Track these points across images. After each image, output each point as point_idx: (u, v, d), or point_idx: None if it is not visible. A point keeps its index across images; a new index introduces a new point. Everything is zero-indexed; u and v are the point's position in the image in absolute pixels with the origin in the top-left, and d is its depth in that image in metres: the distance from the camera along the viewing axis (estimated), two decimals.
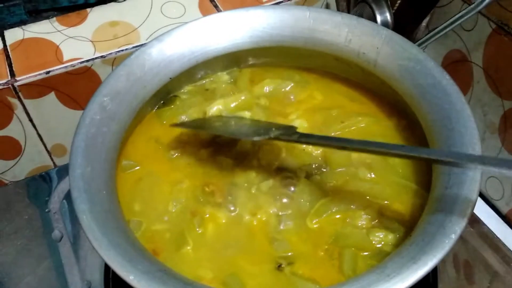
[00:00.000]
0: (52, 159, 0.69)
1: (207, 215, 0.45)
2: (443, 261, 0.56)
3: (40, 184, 0.67)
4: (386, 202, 0.46)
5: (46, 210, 0.62)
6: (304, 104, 0.54)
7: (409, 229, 0.43)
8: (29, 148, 0.66)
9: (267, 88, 0.55)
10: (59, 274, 0.56)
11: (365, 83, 0.54)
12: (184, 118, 0.52)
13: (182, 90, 0.55)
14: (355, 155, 0.49)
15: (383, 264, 0.37)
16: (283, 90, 0.55)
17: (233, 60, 0.55)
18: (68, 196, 0.62)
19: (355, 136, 0.50)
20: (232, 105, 0.52)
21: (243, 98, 0.52)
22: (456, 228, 0.37)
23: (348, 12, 0.71)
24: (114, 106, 0.46)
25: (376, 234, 0.44)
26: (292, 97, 0.54)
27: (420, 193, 0.46)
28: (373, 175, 0.48)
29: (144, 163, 0.49)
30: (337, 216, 0.46)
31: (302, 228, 0.45)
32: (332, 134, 0.51)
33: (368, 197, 0.46)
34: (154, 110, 0.54)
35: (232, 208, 0.46)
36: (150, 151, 0.51)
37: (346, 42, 0.51)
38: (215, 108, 0.51)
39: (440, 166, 0.42)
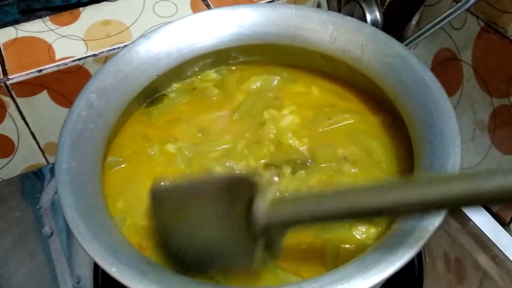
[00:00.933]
0: (45, 157, 0.70)
1: None
2: (433, 258, 0.57)
3: (32, 181, 0.67)
4: None
5: (37, 207, 0.63)
6: (292, 100, 0.55)
7: (390, 222, 0.43)
8: (22, 146, 0.67)
9: (254, 86, 0.56)
10: (49, 270, 0.57)
11: (351, 80, 0.54)
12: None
13: (170, 89, 0.55)
14: (340, 150, 0.49)
15: (362, 257, 0.38)
16: (270, 86, 0.56)
17: (221, 58, 0.56)
18: None
19: (342, 134, 0.51)
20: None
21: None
22: (434, 221, 0.38)
23: (339, 11, 0.71)
24: (101, 102, 0.47)
25: (359, 228, 0.44)
26: (279, 94, 0.55)
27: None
28: (357, 170, 0.48)
29: (131, 160, 0.50)
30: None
31: None
32: (320, 130, 0.52)
33: None
34: (142, 108, 0.54)
35: None
36: (137, 148, 0.51)
37: (331, 39, 0.52)
38: None
39: (420, 161, 0.43)
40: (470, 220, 0.63)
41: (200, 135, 0.52)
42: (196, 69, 0.56)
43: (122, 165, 0.50)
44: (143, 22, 0.68)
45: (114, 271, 0.37)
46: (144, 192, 0.46)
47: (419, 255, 0.58)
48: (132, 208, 0.46)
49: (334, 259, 0.42)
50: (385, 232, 0.42)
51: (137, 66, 0.50)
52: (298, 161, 0.49)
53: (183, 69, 0.54)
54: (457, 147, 0.42)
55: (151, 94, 0.54)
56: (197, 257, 0.40)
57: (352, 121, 0.53)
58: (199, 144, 0.51)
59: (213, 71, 0.57)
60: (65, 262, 0.57)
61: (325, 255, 0.43)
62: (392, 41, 0.49)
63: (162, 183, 0.41)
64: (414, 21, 0.70)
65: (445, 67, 0.69)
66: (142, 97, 0.53)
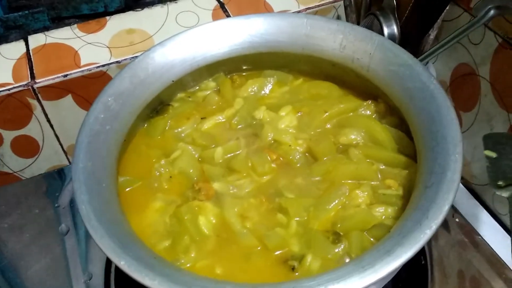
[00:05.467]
0: (68, 159, 0.73)
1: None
2: (456, 281, 0.57)
3: (53, 180, 0.70)
4: (378, 177, 0.49)
5: (56, 205, 0.66)
6: (287, 99, 0.57)
7: (405, 200, 0.45)
8: (46, 147, 0.70)
9: (251, 90, 0.58)
10: (63, 265, 0.60)
11: (359, 87, 0.55)
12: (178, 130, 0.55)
13: (175, 99, 0.58)
14: (342, 139, 0.52)
15: (360, 257, 0.39)
16: (266, 88, 0.58)
17: (233, 65, 0.58)
18: None
19: (341, 122, 0.54)
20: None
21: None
22: (432, 224, 0.39)
23: (358, 24, 0.73)
24: (117, 106, 0.50)
25: (377, 210, 0.46)
26: (275, 95, 0.57)
27: (410, 163, 0.48)
28: (361, 154, 0.50)
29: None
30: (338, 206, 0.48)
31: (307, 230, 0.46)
32: (318, 125, 0.54)
33: (359, 177, 0.49)
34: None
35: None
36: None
37: (341, 48, 0.53)
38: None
39: (422, 166, 0.44)
40: (486, 243, 0.62)
41: (204, 143, 0.54)
42: (206, 76, 0.58)
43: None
44: (166, 31, 0.70)
45: (122, 264, 0.39)
46: None
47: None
48: None
49: (361, 246, 0.44)
50: (402, 210, 0.44)
51: (153, 72, 0.53)
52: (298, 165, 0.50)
53: (192, 77, 0.57)
54: (458, 153, 0.43)
55: (157, 105, 0.56)
56: None
57: (348, 108, 0.54)
58: (202, 151, 0.53)
59: (211, 79, 0.59)
60: (78, 259, 0.60)
61: (351, 245, 0.45)
62: (399, 50, 0.51)
63: None
64: (432, 35, 0.71)
65: (463, 82, 0.69)
66: (149, 109, 0.55)
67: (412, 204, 0.42)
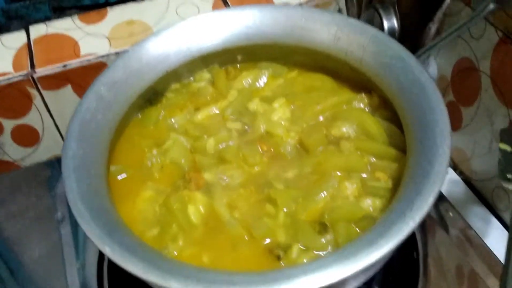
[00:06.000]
0: None
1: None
2: (449, 276, 0.57)
3: (52, 169, 0.71)
4: (368, 170, 0.49)
5: (53, 194, 0.67)
6: (280, 92, 0.57)
7: (394, 192, 0.45)
8: (46, 137, 0.71)
9: (246, 82, 0.58)
10: (58, 252, 0.61)
11: (353, 79, 0.55)
12: (172, 121, 0.55)
13: (169, 89, 0.58)
14: (334, 132, 0.52)
15: (343, 247, 0.39)
16: (260, 80, 0.58)
17: (228, 56, 0.58)
18: None
19: (334, 115, 0.53)
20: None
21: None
22: (416, 216, 0.39)
23: (358, 18, 0.72)
24: (110, 95, 0.50)
25: (365, 201, 0.46)
26: (269, 87, 0.57)
27: (400, 156, 0.48)
28: (353, 147, 0.50)
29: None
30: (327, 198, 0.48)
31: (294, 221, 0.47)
32: (310, 117, 0.54)
33: (349, 169, 0.49)
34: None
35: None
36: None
37: (335, 40, 0.53)
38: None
39: (411, 158, 0.44)
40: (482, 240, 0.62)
41: (196, 133, 0.54)
42: (201, 67, 0.58)
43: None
44: (166, 23, 0.70)
45: (106, 249, 0.39)
46: None
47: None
48: None
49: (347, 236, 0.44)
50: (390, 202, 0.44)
51: (147, 62, 0.53)
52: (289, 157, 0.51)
53: (187, 68, 0.57)
54: (446, 146, 0.42)
55: (151, 95, 0.56)
56: None
57: (341, 101, 0.54)
58: (195, 141, 0.53)
59: (205, 70, 0.59)
60: (72, 247, 0.61)
61: (337, 235, 0.45)
62: (392, 43, 0.50)
63: None
64: (433, 29, 0.70)
65: (464, 77, 0.68)
66: (143, 99, 0.55)
67: (398, 196, 0.42)
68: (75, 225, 0.62)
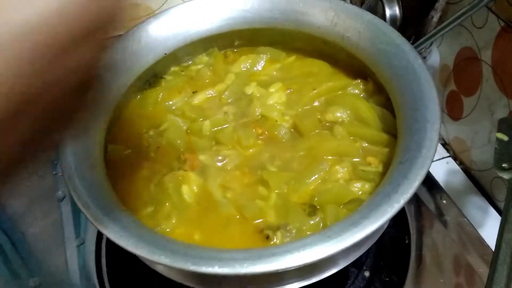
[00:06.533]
0: None
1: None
2: (439, 262, 0.57)
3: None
4: (360, 154, 0.50)
5: (54, 172, 0.68)
6: (278, 76, 0.58)
7: (383, 176, 0.45)
8: None
9: (244, 66, 0.58)
10: (59, 229, 0.62)
11: (350, 65, 0.56)
12: (170, 103, 0.56)
13: (168, 72, 0.59)
14: (328, 117, 0.52)
15: (328, 228, 0.40)
16: (258, 65, 0.58)
17: (226, 40, 0.59)
18: None
19: (329, 100, 0.54)
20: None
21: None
22: (400, 198, 0.39)
23: (361, 6, 0.73)
24: (108, 76, 0.51)
25: (355, 185, 0.47)
26: (266, 71, 0.58)
27: (392, 141, 0.49)
28: (345, 132, 0.51)
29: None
30: (318, 181, 0.48)
31: (285, 202, 0.47)
32: (306, 102, 0.55)
33: (342, 154, 0.50)
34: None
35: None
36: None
37: (332, 25, 0.54)
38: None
39: (400, 143, 0.44)
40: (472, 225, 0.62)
41: (193, 115, 0.54)
42: (200, 51, 0.59)
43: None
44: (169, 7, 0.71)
45: (100, 225, 0.40)
46: None
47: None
48: None
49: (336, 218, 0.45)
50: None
51: (145, 44, 0.54)
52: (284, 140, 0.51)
53: (186, 51, 0.58)
54: (434, 131, 0.43)
55: (150, 77, 0.57)
56: None
57: (337, 87, 0.55)
58: (191, 123, 0.54)
59: (204, 54, 0.60)
60: (72, 224, 0.63)
61: (325, 217, 0.45)
62: (388, 29, 0.51)
63: None
64: (435, 17, 0.70)
65: (466, 66, 0.68)
66: (142, 81, 0.56)
67: (386, 179, 0.43)
68: (75, 204, 0.64)
